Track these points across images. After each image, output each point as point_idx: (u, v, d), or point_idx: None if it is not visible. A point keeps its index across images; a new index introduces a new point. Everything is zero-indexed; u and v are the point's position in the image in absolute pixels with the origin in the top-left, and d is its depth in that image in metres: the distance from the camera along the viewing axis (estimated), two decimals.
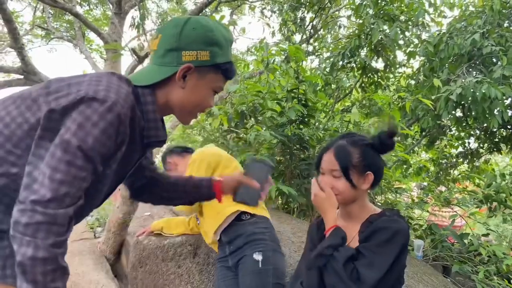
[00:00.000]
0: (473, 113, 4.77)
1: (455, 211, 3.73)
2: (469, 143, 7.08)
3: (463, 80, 4.01)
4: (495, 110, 4.10)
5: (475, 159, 7.06)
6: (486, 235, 3.65)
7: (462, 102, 4.30)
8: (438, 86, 3.89)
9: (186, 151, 2.27)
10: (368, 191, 1.49)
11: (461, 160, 7.18)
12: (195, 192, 1.45)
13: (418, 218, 4.03)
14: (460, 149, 7.23)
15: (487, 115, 4.18)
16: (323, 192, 1.38)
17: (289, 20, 5.69)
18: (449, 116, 4.13)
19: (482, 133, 6.48)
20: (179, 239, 2.25)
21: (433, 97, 3.95)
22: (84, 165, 0.92)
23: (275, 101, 3.60)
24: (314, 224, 1.55)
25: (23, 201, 0.89)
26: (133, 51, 4.80)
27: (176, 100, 1.13)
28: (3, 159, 0.96)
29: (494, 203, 3.76)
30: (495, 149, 6.54)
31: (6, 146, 0.96)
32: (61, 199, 0.89)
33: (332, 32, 7.48)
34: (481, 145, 6.84)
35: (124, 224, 3.36)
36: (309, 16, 5.99)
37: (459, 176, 6.97)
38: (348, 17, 7.02)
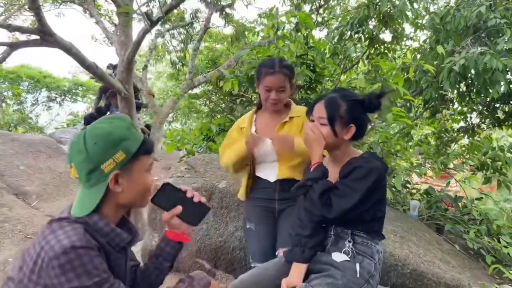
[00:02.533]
0: (475, 84, 4.91)
1: (452, 175, 3.94)
2: (471, 117, 7.20)
3: (467, 52, 4.11)
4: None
5: (476, 133, 7.19)
6: (480, 198, 3.85)
7: (466, 76, 4.43)
8: (442, 53, 4.01)
9: None
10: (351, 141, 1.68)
11: (461, 134, 7.32)
12: (164, 259, 1.45)
13: (416, 184, 4.26)
14: (462, 123, 7.36)
15: (488, 87, 4.30)
16: (314, 133, 1.59)
17: None
18: (451, 86, 4.25)
19: (484, 108, 6.59)
20: (195, 185, 2.47)
21: (435, 63, 4.08)
22: (106, 284, 1.11)
23: None
24: (308, 166, 1.77)
25: None
26: (146, 15, 4.92)
27: (124, 201, 1.23)
28: None
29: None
30: (496, 125, 6.66)
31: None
32: None
33: (341, 3, 7.51)
34: (483, 120, 6.96)
35: None
36: None
37: (460, 149, 7.13)
38: None
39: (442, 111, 5.32)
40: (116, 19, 8.68)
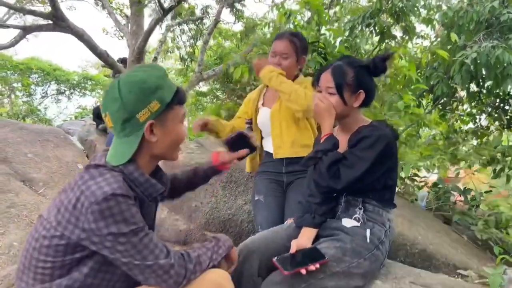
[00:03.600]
0: (486, 84, 4.89)
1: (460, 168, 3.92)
2: (480, 119, 7.15)
3: (479, 47, 4.10)
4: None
5: (484, 135, 7.13)
6: (489, 192, 3.82)
7: (477, 74, 4.42)
8: (455, 40, 4.00)
9: None
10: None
11: (470, 136, 7.26)
12: (207, 177, 1.73)
13: (425, 177, 4.23)
14: (471, 125, 7.30)
15: (499, 83, 4.29)
16: (324, 103, 1.56)
17: None
18: (463, 81, 4.23)
19: (494, 110, 6.54)
20: (204, 160, 2.47)
21: (448, 47, 4.07)
22: (141, 233, 1.14)
23: None
24: (318, 138, 1.77)
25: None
26: (159, 2, 4.95)
27: (158, 151, 1.24)
28: None
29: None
30: (505, 127, 6.60)
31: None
32: (158, 256, 1.15)
33: (352, 3, 7.51)
34: (492, 122, 6.90)
35: None
36: None
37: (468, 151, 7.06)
38: None
39: (452, 104, 5.27)
40: (127, 11, 8.74)
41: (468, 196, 3.66)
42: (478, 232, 3.23)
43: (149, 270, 1.13)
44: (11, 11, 10.10)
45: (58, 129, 7.88)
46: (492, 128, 6.93)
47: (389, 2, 4.75)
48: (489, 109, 6.62)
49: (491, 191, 3.83)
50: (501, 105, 6.20)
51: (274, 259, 1.43)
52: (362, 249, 1.49)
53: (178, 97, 1.23)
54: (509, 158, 3.91)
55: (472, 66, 4.07)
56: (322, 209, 1.62)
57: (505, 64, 3.86)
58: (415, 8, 4.59)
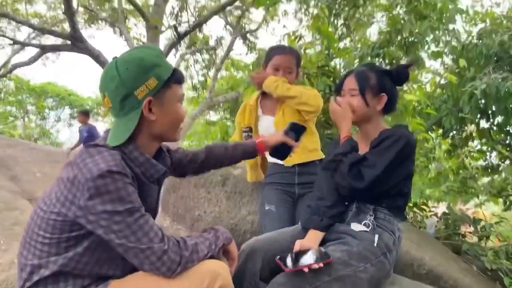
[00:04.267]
0: (496, 120, 4.89)
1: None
2: (490, 156, 7.07)
3: (489, 79, 4.13)
4: None
5: (495, 173, 7.04)
6: (499, 222, 3.73)
7: (487, 109, 4.43)
8: (464, 66, 4.04)
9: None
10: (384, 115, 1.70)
11: (480, 173, 7.16)
12: (243, 156, 1.72)
13: (434, 206, 4.16)
14: (481, 162, 7.22)
15: (509, 117, 4.29)
16: (341, 106, 1.60)
17: (323, 16, 5.89)
18: (472, 112, 4.25)
19: (504, 147, 6.48)
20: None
21: (457, 72, 4.10)
22: (137, 213, 1.11)
23: (305, 76, 3.80)
24: (333, 143, 1.78)
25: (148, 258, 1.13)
26: (174, 27, 5.11)
27: (157, 131, 1.24)
28: None
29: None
30: None
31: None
32: (153, 239, 1.11)
33: (362, 38, 7.67)
34: (503, 160, 6.82)
35: None
36: (343, 15, 6.21)
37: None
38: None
39: (462, 134, 5.25)
40: (144, 40, 9.02)
41: (478, 227, 3.57)
42: (488, 262, 3.13)
43: (143, 255, 1.10)
44: (32, 35, 10.52)
45: (68, 151, 7.98)
46: (502, 166, 6.84)
47: (398, 35, 4.85)
48: (500, 147, 6.56)
49: (501, 221, 3.74)
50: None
51: (277, 258, 1.40)
52: (369, 254, 1.45)
53: (176, 76, 1.24)
54: None
55: (482, 100, 4.09)
56: (330, 212, 1.59)
57: None
58: (425, 41, 4.67)
